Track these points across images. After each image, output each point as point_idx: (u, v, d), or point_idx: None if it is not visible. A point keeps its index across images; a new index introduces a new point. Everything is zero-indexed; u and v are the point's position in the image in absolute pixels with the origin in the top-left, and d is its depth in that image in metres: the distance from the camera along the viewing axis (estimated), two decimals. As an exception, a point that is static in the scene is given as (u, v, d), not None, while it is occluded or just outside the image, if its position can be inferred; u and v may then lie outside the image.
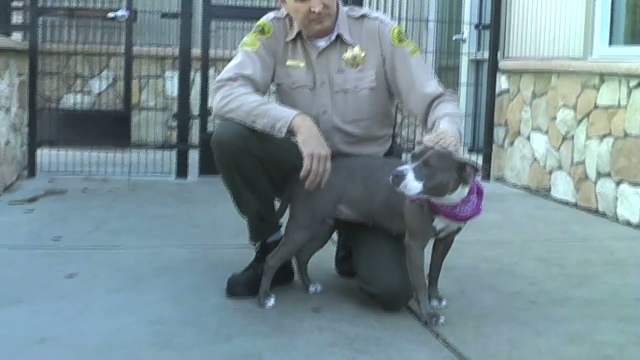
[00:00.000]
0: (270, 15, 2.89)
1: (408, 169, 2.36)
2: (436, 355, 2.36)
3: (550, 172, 5.23)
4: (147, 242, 3.62)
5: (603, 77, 4.67)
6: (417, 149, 2.42)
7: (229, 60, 2.86)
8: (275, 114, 2.62)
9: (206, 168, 5.39)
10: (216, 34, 6.15)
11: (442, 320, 2.58)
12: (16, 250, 3.39)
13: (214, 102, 2.75)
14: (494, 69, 5.95)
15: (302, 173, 2.58)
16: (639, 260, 3.61)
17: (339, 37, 2.82)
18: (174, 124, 6.03)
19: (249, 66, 2.77)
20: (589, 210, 4.74)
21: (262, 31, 2.85)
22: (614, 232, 4.23)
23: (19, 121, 5.30)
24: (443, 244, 2.72)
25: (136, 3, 6.79)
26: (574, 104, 4.96)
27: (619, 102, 4.51)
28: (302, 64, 2.84)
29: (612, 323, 2.70)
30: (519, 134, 5.67)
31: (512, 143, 5.76)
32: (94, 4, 6.89)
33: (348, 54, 2.82)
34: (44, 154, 5.53)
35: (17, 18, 6.22)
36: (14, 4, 6.14)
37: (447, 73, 6.79)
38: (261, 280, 2.75)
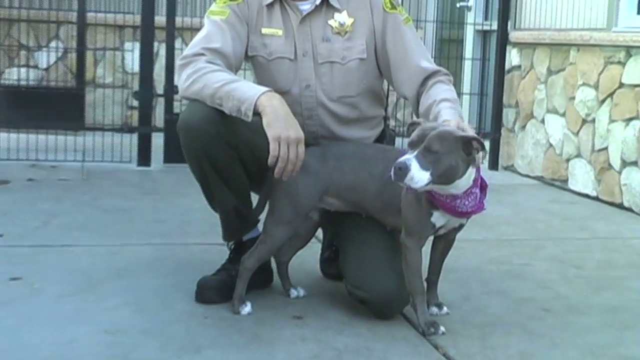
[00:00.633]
0: None
1: (410, 158, 2.36)
2: (436, 370, 2.39)
3: (568, 161, 5.26)
4: (104, 240, 3.61)
5: (630, 50, 4.69)
6: (414, 134, 2.42)
7: (199, 30, 2.84)
8: (239, 95, 2.56)
9: (172, 155, 5.39)
10: (183, -1, 6.15)
11: (442, 329, 2.59)
12: (-49, 249, 3.39)
13: (179, 82, 2.73)
14: (503, 42, 5.97)
15: (270, 160, 2.51)
16: (668, 262, 3.65)
17: (325, 0, 2.82)
18: (135, 103, 6.02)
19: (218, 38, 2.75)
20: (612, 204, 4.78)
21: None
22: (640, 229, 4.26)
23: (-47, 100, 5.28)
24: (443, 243, 2.73)
25: (91, -38, 6.78)
26: (596, 82, 4.99)
27: (647, 80, 4.55)
28: (280, 32, 2.82)
29: (637, 334, 2.72)
30: (531, 116, 5.70)
31: (523, 127, 5.78)
32: (41, -37, 6.88)
33: (335, 20, 2.82)
34: (-18, 138, 5.51)
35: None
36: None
37: (449, 46, 6.80)
38: (236, 283, 2.75)
